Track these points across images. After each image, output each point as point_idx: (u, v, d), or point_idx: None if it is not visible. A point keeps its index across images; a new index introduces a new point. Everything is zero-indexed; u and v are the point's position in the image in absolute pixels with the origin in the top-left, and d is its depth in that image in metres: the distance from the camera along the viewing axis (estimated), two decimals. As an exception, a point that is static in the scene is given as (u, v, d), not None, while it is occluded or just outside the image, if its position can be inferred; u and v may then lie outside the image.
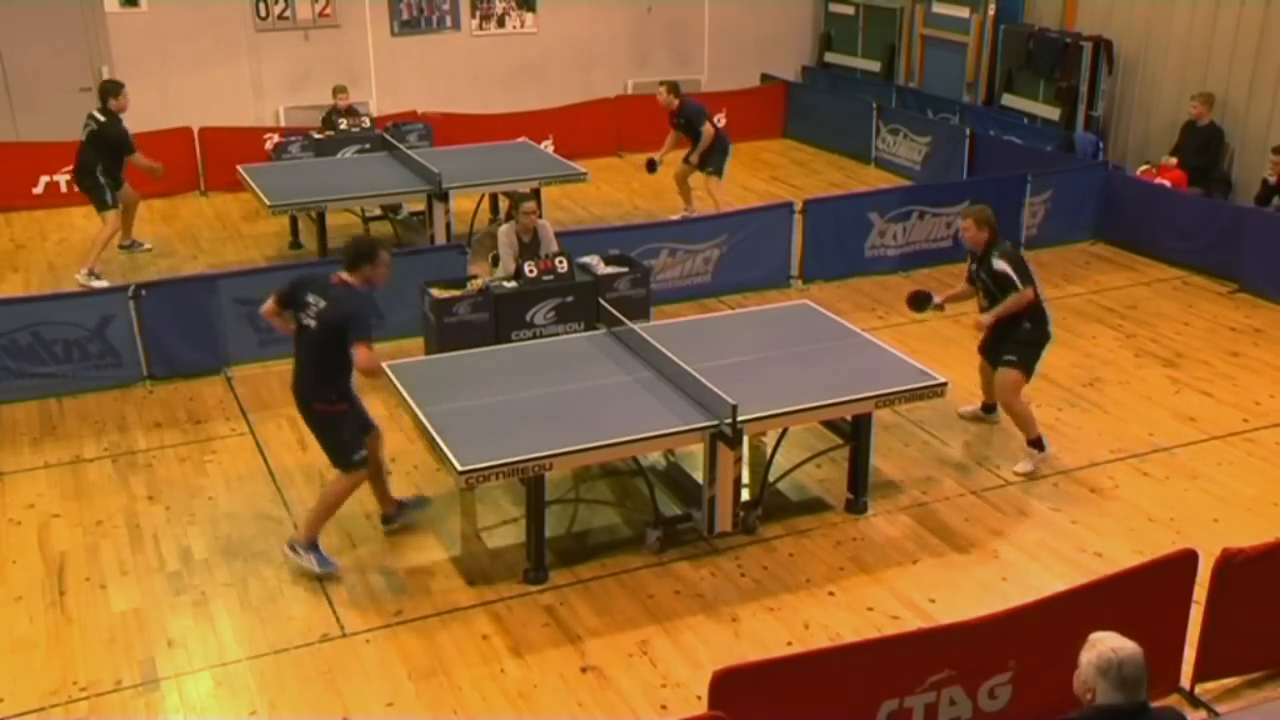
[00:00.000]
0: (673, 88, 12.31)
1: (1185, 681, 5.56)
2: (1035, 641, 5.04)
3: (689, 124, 12.26)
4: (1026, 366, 7.60)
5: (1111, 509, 7.26)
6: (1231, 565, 5.28)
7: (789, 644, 6.00)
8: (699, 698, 5.29)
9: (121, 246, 11.72)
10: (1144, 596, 5.28)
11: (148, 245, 11.98)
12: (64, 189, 13.24)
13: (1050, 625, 5.04)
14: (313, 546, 6.61)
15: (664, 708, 5.58)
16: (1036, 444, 7.67)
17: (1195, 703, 5.54)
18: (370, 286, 6.51)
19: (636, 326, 7.42)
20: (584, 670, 5.85)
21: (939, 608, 6.28)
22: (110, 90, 10.99)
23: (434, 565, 6.73)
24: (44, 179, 13.21)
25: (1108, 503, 7.33)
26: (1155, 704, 4.23)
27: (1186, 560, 5.35)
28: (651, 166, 12.35)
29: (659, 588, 6.50)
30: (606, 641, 6.05)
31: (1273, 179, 11.05)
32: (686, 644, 6.04)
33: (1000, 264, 7.49)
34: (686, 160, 12.41)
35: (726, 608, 6.32)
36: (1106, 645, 3.82)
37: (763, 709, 4.63)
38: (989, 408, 8.22)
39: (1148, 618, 5.24)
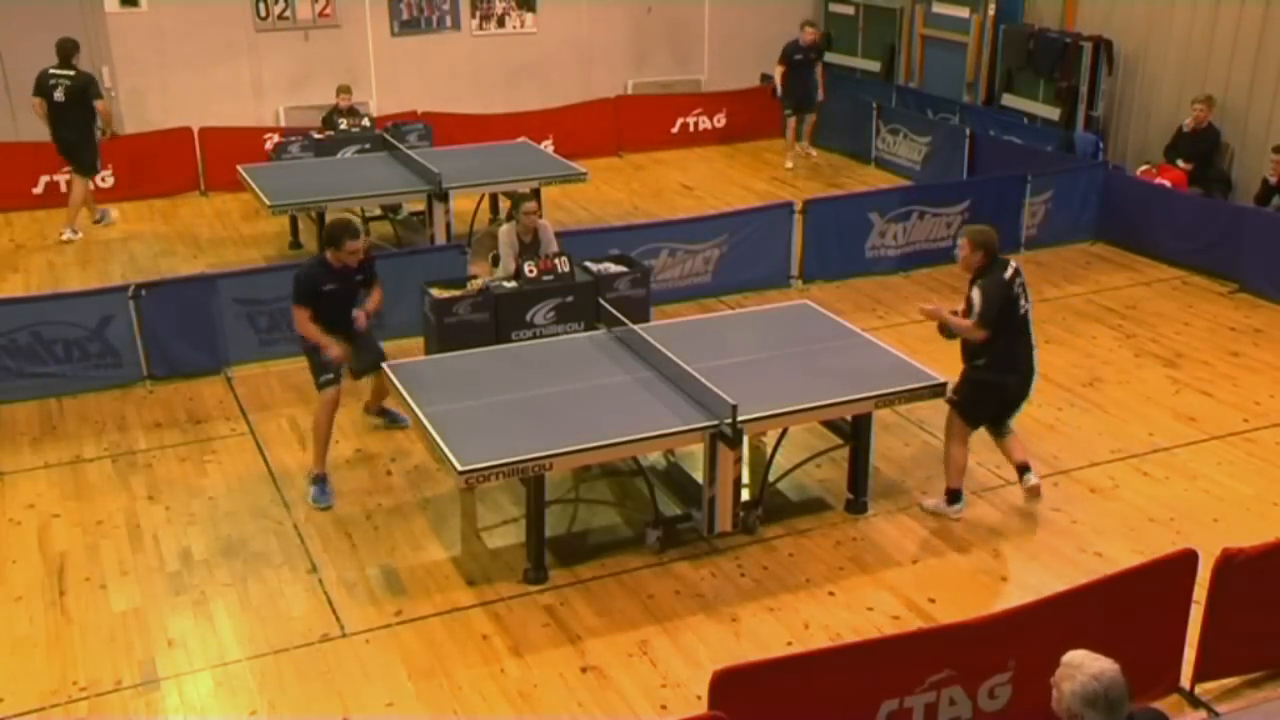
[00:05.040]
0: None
1: (1185, 681, 5.56)
2: (1035, 641, 5.03)
3: (820, 57, 14.96)
4: (965, 410, 6.97)
5: (1111, 509, 7.26)
6: (1231, 565, 5.28)
7: (789, 644, 6.00)
8: (699, 698, 5.29)
9: None
10: (1144, 596, 5.28)
11: None
12: (64, 189, 13.24)
13: (1050, 625, 5.04)
14: (318, 479, 7.40)
15: (664, 708, 5.58)
16: (952, 496, 7.11)
17: (1195, 703, 5.54)
18: (343, 265, 7.32)
19: (636, 326, 7.42)
20: (584, 670, 5.85)
21: (939, 608, 6.28)
22: None
23: (434, 565, 6.73)
24: (44, 179, 13.19)
25: (1108, 503, 7.33)
26: (1153, 704, 4.24)
27: (1186, 560, 5.35)
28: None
29: (659, 588, 6.50)
30: (606, 641, 6.05)
31: (1273, 179, 11.05)
32: (686, 644, 6.04)
33: (974, 291, 6.77)
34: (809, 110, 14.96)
35: (726, 608, 6.32)
36: (1087, 674, 3.68)
37: (763, 709, 4.64)
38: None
39: (1148, 618, 5.25)
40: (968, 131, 13.60)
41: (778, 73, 14.72)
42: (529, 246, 8.84)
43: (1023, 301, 6.84)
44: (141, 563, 6.76)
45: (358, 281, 7.47)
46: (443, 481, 7.47)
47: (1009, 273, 6.82)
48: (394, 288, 9.43)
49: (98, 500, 7.41)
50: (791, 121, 14.91)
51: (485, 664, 5.90)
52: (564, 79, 15.80)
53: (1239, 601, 5.37)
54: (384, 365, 7.29)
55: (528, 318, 8.53)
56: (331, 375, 7.35)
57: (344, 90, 13.06)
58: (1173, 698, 5.51)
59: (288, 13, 14.39)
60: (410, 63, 15.04)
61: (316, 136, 12.62)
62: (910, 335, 9.65)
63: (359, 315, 7.40)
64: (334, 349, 7.20)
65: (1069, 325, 10.00)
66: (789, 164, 14.81)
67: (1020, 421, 8.27)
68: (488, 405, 6.68)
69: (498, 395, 6.79)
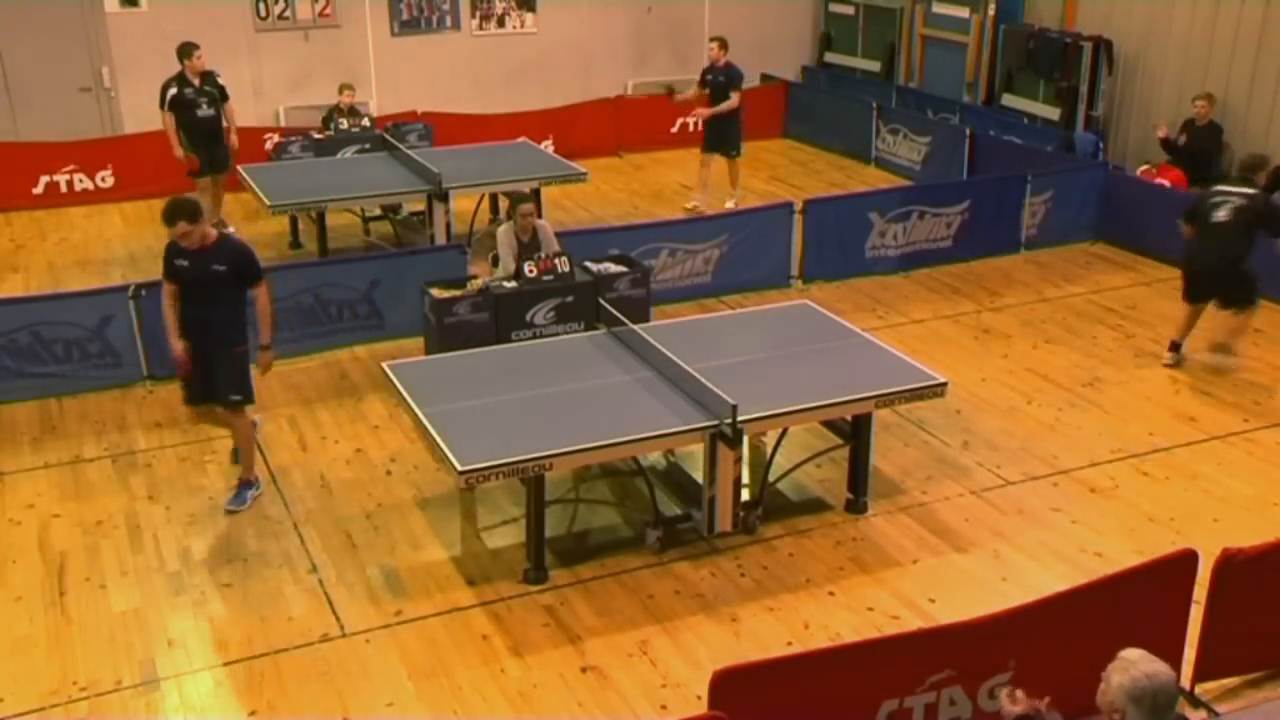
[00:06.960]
0: (724, 43, 12.81)
1: (1185, 681, 5.56)
2: (1035, 641, 5.04)
3: (729, 83, 12.57)
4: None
5: (1111, 509, 7.26)
6: (1231, 565, 5.28)
7: (789, 644, 6.00)
8: (699, 698, 5.29)
9: None
10: (1144, 596, 5.28)
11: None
12: (64, 189, 13.26)
13: (1050, 625, 5.04)
14: (242, 484, 7.41)
15: (664, 708, 5.58)
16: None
17: (1195, 703, 5.54)
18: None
19: (636, 326, 7.42)
20: (584, 670, 5.85)
21: (939, 608, 6.28)
22: None
23: (434, 565, 6.73)
24: (44, 179, 13.20)
25: (1108, 503, 7.33)
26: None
27: (1186, 560, 5.35)
28: (671, 94, 13.80)
29: (659, 588, 6.50)
30: (606, 641, 6.05)
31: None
32: (686, 644, 6.04)
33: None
34: (712, 146, 12.86)
35: (726, 608, 6.32)
36: (1140, 671, 3.71)
37: (763, 709, 4.63)
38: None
39: (1147, 618, 5.24)
40: (968, 131, 13.59)
41: (693, 95, 12.97)
42: (528, 246, 8.84)
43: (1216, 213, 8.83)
44: (141, 563, 6.76)
45: (218, 272, 7.00)
46: (443, 481, 7.47)
47: (1217, 189, 9.05)
48: (394, 288, 9.48)
49: (98, 500, 7.41)
50: (703, 158, 12.96)
51: (485, 664, 5.90)
52: (564, 79, 15.80)
53: (1239, 601, 5.37)
54: (231, 405, 7.11)
55: (528, 318, 8.53)
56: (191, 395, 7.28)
57: (347, 88, 13.05)
58: (1173, 698, 5.51)
59: (288, 13, 14.39)
60: (410, 63, 15.04)
61: (316, 136, 12.62)
62: (910, 335, 9.66)
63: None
64: (175, 345, 7.10)
65: (1069, 325, 10.00)
66: (693, 201, 13.04)
67: (1021, 421, 8.32)
68: (488, 405, 6.68)
69: (498, 395, 6.79)
